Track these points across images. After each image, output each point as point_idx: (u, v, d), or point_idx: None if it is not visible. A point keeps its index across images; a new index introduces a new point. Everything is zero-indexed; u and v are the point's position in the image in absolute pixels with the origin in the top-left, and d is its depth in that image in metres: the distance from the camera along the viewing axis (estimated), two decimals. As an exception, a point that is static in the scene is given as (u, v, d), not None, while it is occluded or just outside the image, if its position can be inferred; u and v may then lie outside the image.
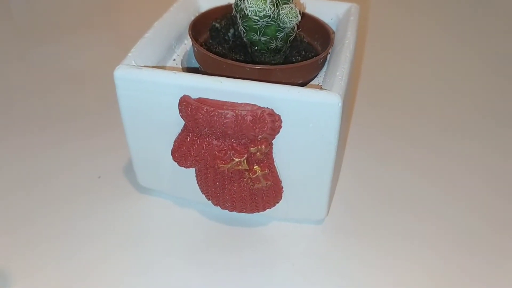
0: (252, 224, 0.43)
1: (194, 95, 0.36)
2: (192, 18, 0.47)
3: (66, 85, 0.60)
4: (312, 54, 0.43)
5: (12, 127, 0.53)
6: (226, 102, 0.35)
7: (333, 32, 0.43)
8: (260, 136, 0.36)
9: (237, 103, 0.35)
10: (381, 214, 0.44)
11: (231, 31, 0.44)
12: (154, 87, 0.37)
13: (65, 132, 0.52)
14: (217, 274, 0.39)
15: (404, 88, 0.62)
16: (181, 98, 0.36)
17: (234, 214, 0.41)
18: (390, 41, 0.73)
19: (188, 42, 0.46)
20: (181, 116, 0.37)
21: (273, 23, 0.38)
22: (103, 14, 0.78)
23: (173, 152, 0.39)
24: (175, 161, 0.39)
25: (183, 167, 0.39)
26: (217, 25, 0.44)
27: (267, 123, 0.35)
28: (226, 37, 0.44)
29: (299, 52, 0.43)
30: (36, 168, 0.48)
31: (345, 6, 0.47)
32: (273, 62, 0.41)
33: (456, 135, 0.54)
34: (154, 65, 0.40)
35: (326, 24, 0.44)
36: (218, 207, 0.41)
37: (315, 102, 0.34)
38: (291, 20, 0.38)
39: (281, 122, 0.35)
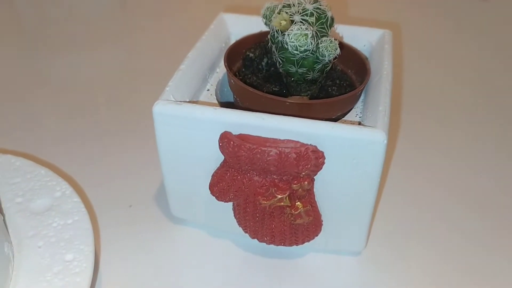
0: (289, 256, 0.42)
1: (234, 131, 0.36)
2: (223, 46, 0.47)
3: (83, 105, 0.60)
4: (347, 82, 0.43)
5: (40, 150, 0.52)
6: (268, 138, 0.35)
7: (368, 60, 0.43)
8: (303, 173, 0.35)
9: (280, 139, 0.35)
10: (417, 244, 0.44)
11: (265, 60, 0.43)
12: (194, 123, 0.36)
13: (91, 158, 0.52)
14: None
15: (448, 116, 0.60)
16: (222, 134, 0.36)
17: (271, 245, 0.41)
18: (425, 63, 0.71)
19: (220, 71, 0.45)
20: (221, 152, 0.36)
21: (311, 55, 0.38)
22: (112, 28, 0.78)
23: (212, 187, 0.38)
24: (214, 196, 0.39)
25: (221, 202, 0.39)
26: (251, 54, 0.43)
27: (311, 160, 0.35)
28: (260, 66, 0.43)
29: (333, 81, 0.43)
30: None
31: (378, 32, 0.46)
32: (309, 92, 0.41)
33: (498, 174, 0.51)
34: (191, 97, 0.40)
35: (360, 51, 0.44)
36: (256, 239, 0.41)
37: (360, 139, 0.34)
38: (330, 53, 0.37)
39: (325, 158, 0.35)
